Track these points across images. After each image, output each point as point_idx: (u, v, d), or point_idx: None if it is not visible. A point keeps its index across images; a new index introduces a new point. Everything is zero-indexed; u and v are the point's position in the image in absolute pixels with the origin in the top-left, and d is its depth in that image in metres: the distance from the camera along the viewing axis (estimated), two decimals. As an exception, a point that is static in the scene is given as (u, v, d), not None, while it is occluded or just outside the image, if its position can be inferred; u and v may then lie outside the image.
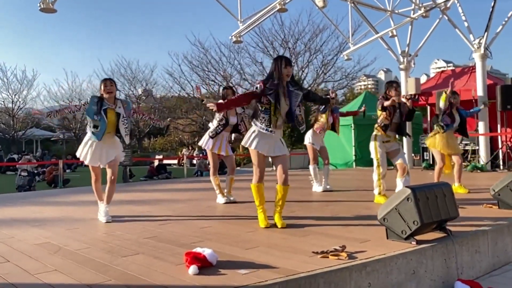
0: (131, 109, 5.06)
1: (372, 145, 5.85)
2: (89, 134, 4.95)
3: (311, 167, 7.53)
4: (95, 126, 4.84)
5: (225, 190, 6.37)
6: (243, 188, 7.38)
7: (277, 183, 4.46)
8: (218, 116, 6.19)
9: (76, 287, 2.68)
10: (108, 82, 4.90)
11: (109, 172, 5.04)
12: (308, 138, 7.52)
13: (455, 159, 6.76)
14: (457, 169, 6.79)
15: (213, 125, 6.26)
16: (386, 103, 5.68)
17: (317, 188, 7.46)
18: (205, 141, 6.27)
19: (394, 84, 5.85)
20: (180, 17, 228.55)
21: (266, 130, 4.36)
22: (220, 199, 6.31)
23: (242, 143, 4.49)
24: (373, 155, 5.85)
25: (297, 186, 7.91)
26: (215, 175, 6.34)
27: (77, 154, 5.05)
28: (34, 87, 51.03)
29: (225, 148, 6.27)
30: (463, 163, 12.15)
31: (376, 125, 5.88)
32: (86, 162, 4.97)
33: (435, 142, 6.74)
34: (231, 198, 6.33)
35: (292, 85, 4.37)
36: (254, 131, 4.42)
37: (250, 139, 4.42)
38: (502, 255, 4.05)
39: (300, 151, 21.29)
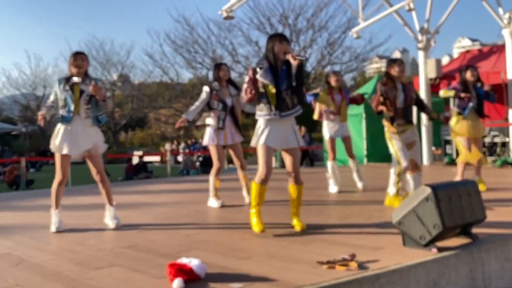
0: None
1: (388, 142, 5.87)
2: (59, 121, 4.92)
3: (328, 163, 7.42)
4: (63, 106, 4.83)
5: (244, 190, 6.30)
6: (236, 189, 7.39)
7: (289, 183, 4.51)
8: (212, 103, 6.12)
9: (41, 305, 2.68)
10: (79, 57, 4.92)
11: (92, 169, 4.97)
12: (325, 134, 7.48)
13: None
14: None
15: (212, 117, 6.17)
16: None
17: (332, 188, 7.37)
18: (210, 137, 6.16)
19: (397, 61, 5.76)
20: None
21: (269, 115, 4.38)
22: (213, 202, 6.29)
23: (251, 144, 4.48)
24: (391, 151, 5.87)
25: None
26: (217, 175, 6.28)
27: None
28: (-9, 73, 50.86)
29: (231, 136, 6.19)
30: (492, 157, 12.33)
31: (383, 119, 5.84)
32: (53, 150, 4.85)
33: (461, 129, 6.89)
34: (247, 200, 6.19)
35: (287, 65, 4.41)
36: (259, 126, 4.45)
37: (257, 136, 4.43)
38: (536, 263, 4.08)
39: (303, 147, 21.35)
